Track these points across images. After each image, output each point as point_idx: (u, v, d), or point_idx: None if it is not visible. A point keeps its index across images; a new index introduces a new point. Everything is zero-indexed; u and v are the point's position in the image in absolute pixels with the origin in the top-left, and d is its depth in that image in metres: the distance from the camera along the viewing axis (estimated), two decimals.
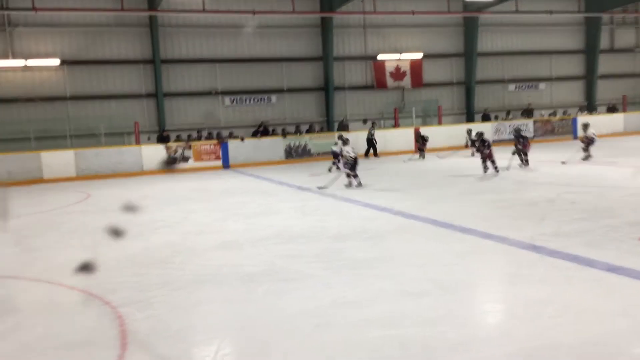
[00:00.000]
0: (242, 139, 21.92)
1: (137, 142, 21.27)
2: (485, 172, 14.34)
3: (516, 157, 15.20)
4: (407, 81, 26.65)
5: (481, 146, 14.52)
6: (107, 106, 22.36)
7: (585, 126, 16.58)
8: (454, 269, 6.29)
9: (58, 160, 19.49)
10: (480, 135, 14.81)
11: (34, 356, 4.46)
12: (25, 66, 21.19)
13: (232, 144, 21.60)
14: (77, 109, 21.98)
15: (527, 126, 25.20)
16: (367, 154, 22.11)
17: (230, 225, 9.70)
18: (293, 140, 22.60)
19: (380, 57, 26.16)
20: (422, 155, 20.46)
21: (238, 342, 4.70)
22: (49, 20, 21.28)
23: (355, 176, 13.46)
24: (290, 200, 12.37)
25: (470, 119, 27.44)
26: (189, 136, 22.19)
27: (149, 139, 22.23)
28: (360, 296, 5.49)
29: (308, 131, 23.52)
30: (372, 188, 13.19)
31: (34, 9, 18.82)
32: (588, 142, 16.37)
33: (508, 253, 6.89)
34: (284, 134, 22.95)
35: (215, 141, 21.55)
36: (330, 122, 25.37)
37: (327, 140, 21.74)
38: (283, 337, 4.62)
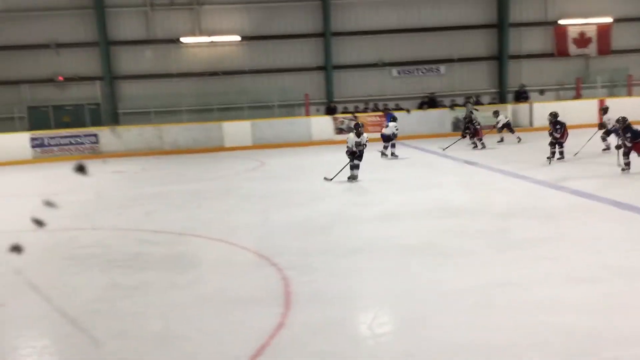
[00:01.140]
0: (408, 111, 21.73)
1: (307, 114, 22.21)
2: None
3: None
4: (592, 48, 24.30)
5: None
6: (281, 79, 23.55)
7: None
8: (635, 257, 5.68)
9: (237, 130, 21.06)
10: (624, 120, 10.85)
11: (209, 307, 4.93)
12: (211, 42, 23.08)
13: (398, 116, 21.47)
14: (254, 82, 23.48)
15: None
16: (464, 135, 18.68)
17: (392, 197, 9.74)
18: (462, 113, 21.86)
19: (562, 22, 24.10)
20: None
21: (394, 313, 4.75)
22: None
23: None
24: (454, 174, 12.07)
25: None
26: (356, 108, 22.57)
27: (317, 110, 23.06)
28: (525, 278, 5.21)
29: (477, 103, 22.59)
30: (544, 164, 12.34)
31: None
32: None
33: None
34: (452, 105, 22.30)
35: (380, 113, 21.65)
36: (503, 94, 24.12)
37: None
38: (439, 312, 4.57)
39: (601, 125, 14.11)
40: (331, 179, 11.44)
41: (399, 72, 24.05)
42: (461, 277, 5.35)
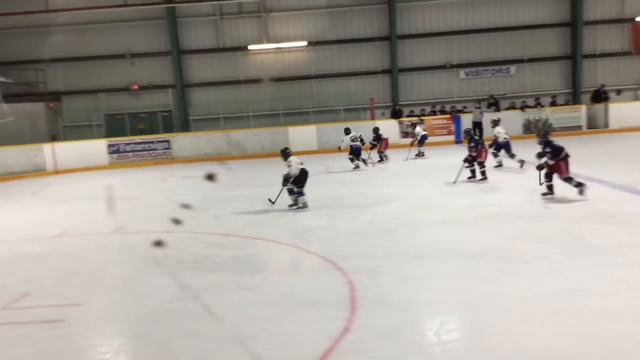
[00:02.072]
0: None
1: (372, 117, 22.17)
2: None
3: None
4: None
5: None
6: (346, 83, 23.65)
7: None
8: None
9: (302, 134, 21.30)
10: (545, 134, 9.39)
11: (276, 309, 5.03)
12: (277, 48, 23.48)
13: (466, 118, 21.14)
14: (319, 87, 23.70)
15: None
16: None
17: (456, 201, 9.58)
18: (533, 114, 21.24)
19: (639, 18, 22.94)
20: None
21: (460, 319, 4.68)
22: (297, 5, 23.19)
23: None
24: (522, 177, 11.71)
25: None
26: (422, 110, 22.33)
27: (383, 114, 22.98)
28: (596, 285, 5.01)
29: (551, 104, 21.85)
30: (619, 168, 11.77)
31: None
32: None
33: None
34: (522, 107, 21.66)
35: (448, 115, 21.33)
36: (577, 94, 23.19)
37: (571, 114, 19.97)
38: (507, 319, 4.47)
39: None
40: (273, 203, 10.23)
41: (467, 74, 23.60)
42: (530, 283, 5.21)
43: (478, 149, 11.66)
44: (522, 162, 12.94)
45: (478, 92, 23.42)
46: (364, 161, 15.75)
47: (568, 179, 8.91)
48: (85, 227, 9.57)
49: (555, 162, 8.84)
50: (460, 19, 23.32)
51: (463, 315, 4.73)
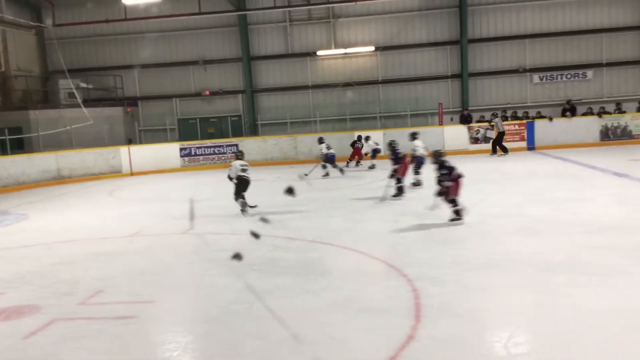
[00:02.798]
0: (551, 119, 20.53)
1: (440, 123, 21.79)
2: None
3: None
4: None
5: None
6: (414, 88, 23.39)
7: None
8: None
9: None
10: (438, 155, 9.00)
11: (340, 314, 5.01)
12: (345, 54, 23.54)
13: (539, 124, 20.44)
14: (387, 92, 23.57)
15: None
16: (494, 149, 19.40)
17: (530, 209, 9.24)
18: (611, 120, 20.24)
19: None
20: None
21: (532, 332, 4.50)
22: (366, 10, 23.16)
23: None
24: (602, 187, 11.18)
25: None
26: (493, 116, 21.73)
27: (451, 119, 22.55)
28: None
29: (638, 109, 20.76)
30: None
31: (354, 0, 20.68)
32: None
33: None
34: (600, 113, 20.70)
35: (520, 121, 20.67)
36: None
37: None
38: (583, 335, 4.26)
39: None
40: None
41: (540, 78, 22.80)
42: (609, 297, 4.95)
43: (399, 163, 11.21)
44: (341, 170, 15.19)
45: (552, 97, 22.59)
46: (341, 170, 16.12)
47: (452, 201, 8.40)
48: (158, 228, 9.91)
49: (453, 183, 8.36)
50: (535, 21, 22.57)
51: (534, 328, 4.55)
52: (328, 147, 16.10)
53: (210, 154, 21.73)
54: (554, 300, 5.02)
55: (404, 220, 9.05)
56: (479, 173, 14.65)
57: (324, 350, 4.26)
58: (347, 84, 23.62)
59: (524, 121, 20.65)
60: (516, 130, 20.54)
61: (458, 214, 8.42)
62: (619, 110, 20.64)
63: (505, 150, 18.99)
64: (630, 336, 4.15)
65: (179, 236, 9.04)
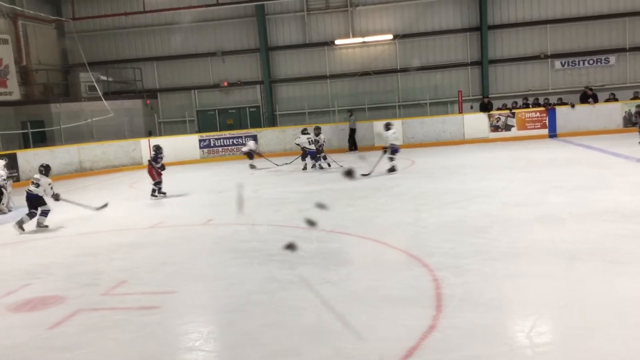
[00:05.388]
0: (573, 106, 20.20)
1: (460, 111, 21.58)
2: None
3: None
4: None
5: None
6: (433, 76, 23.19)
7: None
8: None
9: None
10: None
11: (360, 304, 5.01)
12: (363, 42, 23.38)
13: (561, 111, 20.13)
14: (405, 80, 23.38)
15: None
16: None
17: (552, 197, 9.12)
18: (634, 106, 19.81)
19: None
20: None
21: (556, 321, 4.45)
22: None
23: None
24: (626, 174, 10.99)
25: None
26: (514, 103, 21.47)
27: (471, 107, 22.33)
28: None
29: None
30: None
31: None
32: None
33: None
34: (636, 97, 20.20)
35: (542, 108, 20.38)
36: None
37: None
38: (610, 322, 4.20)
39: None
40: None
41: (562, 64, 22.42)
42: (634, 286, 4.87)
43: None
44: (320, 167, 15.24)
45: (575, 83, 22.21)
46: (320, 165, 15.78)
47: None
48: (179, 219, 9.99)
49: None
50: (556, 6, 22.16)
51: (558, 317, 4.49)
52: (310, 142, 15.68)
53: (229, 145, 21.80)
54: (578, 289, 4.96)
55: (424, 209, 9.00)
56: (500, 161, 14.51)
57: (345, 340, 4.26)
58: (366, 73, 23.48)
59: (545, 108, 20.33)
60: (537, 117, 20.26)
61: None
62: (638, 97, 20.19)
63: (353, 148, 20.39)
64: None
65: (200, 227, 9.10)
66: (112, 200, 11.87)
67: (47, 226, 9.72)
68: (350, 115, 21.05)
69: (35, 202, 9.64)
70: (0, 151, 17.48)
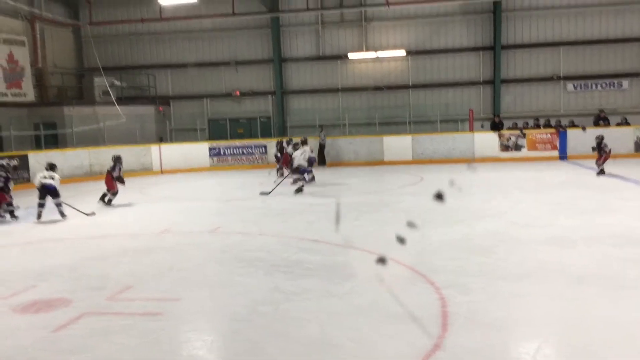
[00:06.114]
0: (584, 129, 20.13)
1: (471, 129, 21.57)
2: None
3: None
4: None
5: None
6: (444, 94, 23.23)
7: None
8: None
9: (397, 144, 21.12)
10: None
11: (364, 319, 5.00)
12: (376, 57, 23.48)
13: (572, 133, 20.08)
14: (417, 97, 23.43)
15: None
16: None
17: (562, 220, 9.08)
18: None
19: None
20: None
21: (561, 345, 4.42)
22: (398, 14, 23.08)
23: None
24: (636, 199, 10.94)
25: None
26: (526, 124, 21.46)
27: (482, 126, 22.31)
28: None
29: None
30: None
31: (387, 4, 20.63)
32: None
33: None
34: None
35: (553, 130, 20.34)
36: None
37: None
38: (614, 348, 4.17)
39: None
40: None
41: (575, 87, 22.41)
42: None
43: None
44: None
45: (587, 106, 22.18)
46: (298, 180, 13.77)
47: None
48: (187, 225, 10.02)
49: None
50: (570, 29, 22.20)
51: (564, 339, 4.47)
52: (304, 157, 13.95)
53: (238, 154, 21.89)
54: (583, 312, 4.93)
55: (431, 226, 8.98)
56: (509, 181, 14.47)
57: (349, 354, 4.26)
58: (378, 88, 23.56)
59: (555, 130, 20.27)
60: (548, 138, 20.22)
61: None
62: None
63: (322, 162, 20.38)
64: None
65: (208, 234, 9.13)
66: (121, 205, 11.93)
67: (66, 215, 10.95)
68: (321, 131, 21.40)
69: (53, 194, 10.85)
70: (12, 152, 17.63)
